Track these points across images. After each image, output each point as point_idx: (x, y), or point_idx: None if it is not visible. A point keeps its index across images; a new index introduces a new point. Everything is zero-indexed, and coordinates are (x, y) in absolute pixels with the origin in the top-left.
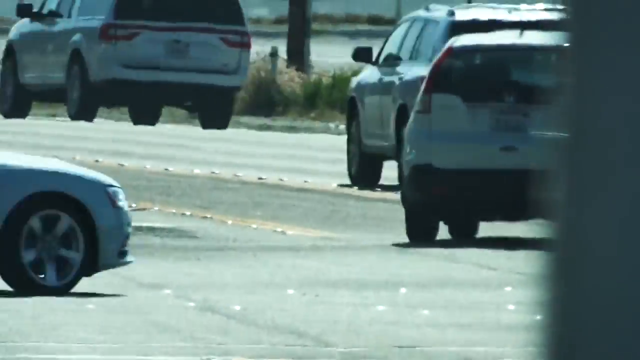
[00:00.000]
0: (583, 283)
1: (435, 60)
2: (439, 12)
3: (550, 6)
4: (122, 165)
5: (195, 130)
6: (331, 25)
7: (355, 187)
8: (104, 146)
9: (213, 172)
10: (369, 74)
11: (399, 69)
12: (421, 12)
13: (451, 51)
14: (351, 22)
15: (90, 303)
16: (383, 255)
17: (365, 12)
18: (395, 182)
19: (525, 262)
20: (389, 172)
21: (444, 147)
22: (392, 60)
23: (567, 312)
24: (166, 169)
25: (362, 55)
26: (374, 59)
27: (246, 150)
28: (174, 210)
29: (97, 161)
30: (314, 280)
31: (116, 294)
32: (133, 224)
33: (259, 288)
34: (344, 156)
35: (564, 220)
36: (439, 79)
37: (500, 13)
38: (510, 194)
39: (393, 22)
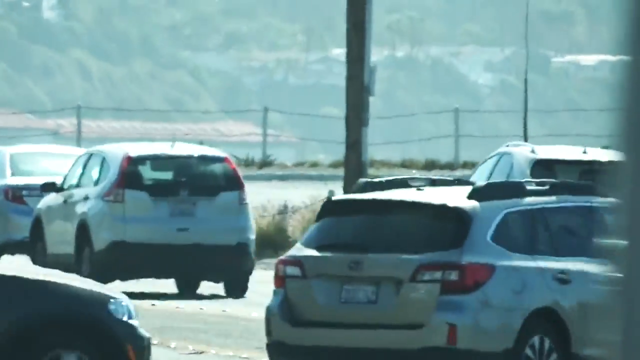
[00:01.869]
0: None
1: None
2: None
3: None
4: (178, 307)
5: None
6: (387, 170)
7: None
8: (160, 287)
9: None
10: None
11: None
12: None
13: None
14: (407, 167)
15: None
16: None
17: (422, 157)
18: None
19: None
20: None
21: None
22: None
23: None
24: (223, 311)
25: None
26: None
27: None
28: (231, 353)
29: (153, 305)
30: None
31: None
32: None
33: None
34: None
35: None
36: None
37: None
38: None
39: (450, 167)
